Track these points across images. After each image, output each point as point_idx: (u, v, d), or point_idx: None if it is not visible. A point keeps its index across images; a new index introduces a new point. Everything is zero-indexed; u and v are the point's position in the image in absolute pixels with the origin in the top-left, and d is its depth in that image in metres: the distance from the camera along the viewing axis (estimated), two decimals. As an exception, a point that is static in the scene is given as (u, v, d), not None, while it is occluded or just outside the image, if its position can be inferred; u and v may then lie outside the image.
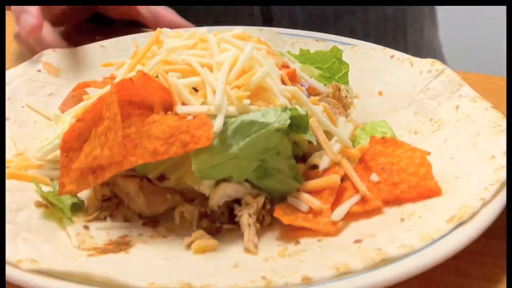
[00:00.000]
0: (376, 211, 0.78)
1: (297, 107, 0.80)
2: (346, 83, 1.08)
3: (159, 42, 0.92)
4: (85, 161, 0.78)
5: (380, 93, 1.09)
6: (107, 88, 0.90)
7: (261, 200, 0.77)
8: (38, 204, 0.79)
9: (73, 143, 0.82)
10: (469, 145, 0.87)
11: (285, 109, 0.76)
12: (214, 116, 0.75)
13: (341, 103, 1.00)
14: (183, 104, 0.79)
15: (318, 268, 0.65)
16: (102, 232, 0.78)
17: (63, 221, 0.78)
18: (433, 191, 0.78)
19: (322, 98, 0.94)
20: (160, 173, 0.80)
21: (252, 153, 0.75)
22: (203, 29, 0.94)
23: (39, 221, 0.77)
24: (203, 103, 0.78)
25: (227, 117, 0.76)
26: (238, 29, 0.98)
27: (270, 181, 0.78)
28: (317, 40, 1.23)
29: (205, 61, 0.83)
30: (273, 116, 0.75)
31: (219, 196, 0.77)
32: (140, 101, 0.80)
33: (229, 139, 0.74)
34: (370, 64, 1.14)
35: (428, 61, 1.07)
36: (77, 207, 0.82)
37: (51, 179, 0.88)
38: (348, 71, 1.08)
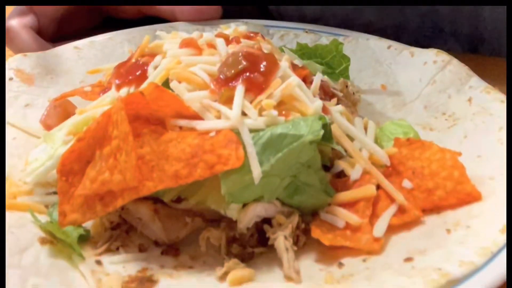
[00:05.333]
0: (416, 222, 0.70)
1: (322, 114, 0.71)
2: (347, 77, 1.00)
3: (159, 46, 0.80)
4: (91, 186, 0.67)
5: (383, 87, 1.01)
6: (102, 100, 0.79)
7: (295, 219, 0.68)
8: (43, 241, 0.67)
9: (73, 165, 0.70)
10: (494, 142, 0.81)
11: (317, 118, 0.67)
12: (237, 131, 0.66)
13: (350, 100, 0.92)
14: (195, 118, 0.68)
15: (379, 297, 0.57)
16: (118, 266, 0.67)
17: (73, 258, 0.67)
18: (472, 196, 0.71)
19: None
20: (177, 196, 0.70)
21: (284, 169, 0.66)
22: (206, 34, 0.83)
23: (47, 261, 0.65)
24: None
25: (253, 131, 0.66)
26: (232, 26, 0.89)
27: (301, 197, 0.69)
28: (307, 32, 1.13)
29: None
30: (304, 127, 0.66)
31: (248, 218, 0.67)
32: (149, 115, 0.69)
33: (259, 155, 0.64)
34: (367, 56, 1.06)
35: (431, 52, 1.00)
36: (83, 238, 0.70)
37: (46, 206, 0.76)
38: (349, 65, 1.00)
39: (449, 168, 0.74)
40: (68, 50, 1.07)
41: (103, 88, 0.83)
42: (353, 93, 0.93)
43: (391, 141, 0.81)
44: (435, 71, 0.97)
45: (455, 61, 0.97)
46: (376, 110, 0.98)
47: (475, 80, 0.93)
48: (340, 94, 0.88)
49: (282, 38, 1.14)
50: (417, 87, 0.97)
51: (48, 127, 0.89)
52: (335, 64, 0.99)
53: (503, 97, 0.88)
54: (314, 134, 0.66)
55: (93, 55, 1.08)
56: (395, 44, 1.06)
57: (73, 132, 0.76)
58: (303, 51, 1.00)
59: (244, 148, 0.64)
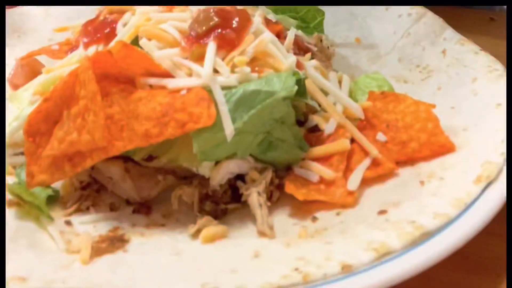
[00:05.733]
0: (390, 174, 0.69)
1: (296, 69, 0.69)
2: (322, 31, 0.98)
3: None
4: (59, 147, 0.65)
5: (357, 40, 0.99)
6: (70, 59, 0.76)
7: (268, 175, 0.67)
8: (9, 204, 0.65)
9: (40, 125, 0.67)
10: (468, 93, 0.80)
11: (291, 74, 0.65)
12: (209, 89, 0.64)
13: (324, 54, 0.90)
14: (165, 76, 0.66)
15: (352, 251, 0.56)
16: (88, 226, 0.66)
17: (41, 219, 0.65)
18: (446, 147, 0.70)
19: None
20: (148, 154, 0.68)
21: (257, 126, 0.64)
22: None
23: (15, 224, 0.63)
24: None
25: (225, 88, 0.64)
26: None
27: (275, 153, 0.68)
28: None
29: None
30: (278, 83, 0.64)
31: (221, 175, 0.66)
32: (118, 73, 0.66)
33: (232, 113, 0.62)
34: (342, 10, 1.04)
35: (407, 6, 0.98)
36: (53, 199, 0.69)
37: (13, 167, 0.74)
38: (323, 18, 0.97)
39: (423, 121, 0.73)
40: (35, 8, 1.03)
41: (71, 47, 0.80)
42: (328, 47, 0.91)
43: (365, 94, 0.80)
44: (409, 24, 0.95)
45: (429, 14, 0.95)
46: (351, 63, 0.96)
47: (449, 32, 0.92)
48: (315, 49, 0.86)
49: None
50: (391, 39, 0.96)
51: (15, 86, 0.86)
52: (309, 18, 0.97)
53: (476, 49, 0.86)
54: (287, 90, 0.64)
55: (62, 13, 1.04)
56: (369, -2, 1.03)
57: (40, 91, 0.74)
58: (276, 6, 0.97)
59: (216, 106, 0.62)
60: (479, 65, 0.83)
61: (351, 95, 0.80)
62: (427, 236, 0.57)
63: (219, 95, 0.62)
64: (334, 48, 0.93)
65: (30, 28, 0.99)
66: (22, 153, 0.74)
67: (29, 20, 1.00)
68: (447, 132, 0.72)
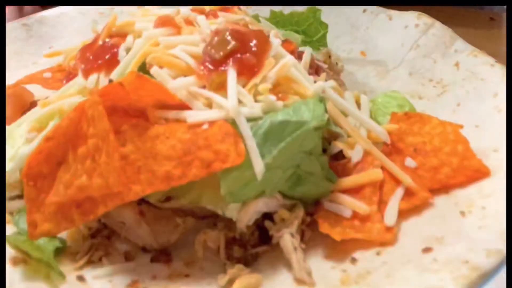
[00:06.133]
0: (425, 204, 0.64)
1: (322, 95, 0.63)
2: (325, 45, 0.92)
3: (129, 25, 0.70)
4: (66, 192, 0.57)
5: (362, 53, 0.94)
6: (68, 89, 0.68)
7: (300, 213, 0.60)
8: (15, 261, 0.57)
9: (41, 167, 0.60)
10: (491, 110, 0.75)
11: (318, 101, 0.59)
12: (231, 121, 0.57)
13: (334, 71, 0.85)
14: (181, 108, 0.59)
15: (407, 299, 0.51)
16: (103, 281, 0.58)
17: (51, 277, 0.57)
18: (481, 172, 0.66)
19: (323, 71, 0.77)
20: (166, 196, 0.61)
21: (287, 160, 0.58)
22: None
23: (24, 286, 0.55)
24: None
25: (250, 120, 0.57)
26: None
27: (304, 187, 0.62)
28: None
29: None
30: (307, 112, 0.58)
31: (249, 216, 0.59)
32: (127, 106, 0.59)
33: (260, 147, 0.56)
34: (343, 21, 0.99)
35: (412, 14, 0.93)
36: (60, 251, 0.61)
37: (10, 213, 0.66)
38: (326, 32, 0.92)
39: (452, 143, 0.68)
40: (15, 29, 0.94)
41: (66, 74, 0.72)
42: (336, 63, 0.86)
43: (386, 115, 0.75)
44: (417, 35, 0.91)
45: (438, 24, 0.90)
46: (358, 79, 0.91)
47: (460, 43, 0.87)
48: (325, 66, 0.81)
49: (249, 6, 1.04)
50: (399, 52, 0.91)
51: (1, 119, 0.78)
52: (312, 32, 0.92)
53: (491, 61, 0.82)
54: (318, 119, 0.58)
55: (44, 32, 0.95)
56: (371, 7, 0.98)
57: (37, 128, 0.66)
58: (277, 19, 0.92)
59: (243, 141, 0.55)
60: (497, 78, 0.79)
61: (372, 116, 0.75)
62: (484, 277, 0.52)
63: (246, 129, 0.56)
64: (341, 63, 0.88)
65: (12, 51, 0.91)
66: (18, 197, 0.66)
67: (10, 43, 0.91)
68: (477, 154, 0.67)
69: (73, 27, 0.95)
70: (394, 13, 0.95)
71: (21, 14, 1.02)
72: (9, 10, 0.97)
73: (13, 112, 0.76)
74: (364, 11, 0.98)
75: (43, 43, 0.92)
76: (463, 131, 0.70)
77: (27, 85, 0.78)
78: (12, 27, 0.93)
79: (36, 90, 0.77)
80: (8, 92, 0.78)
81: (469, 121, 0.74)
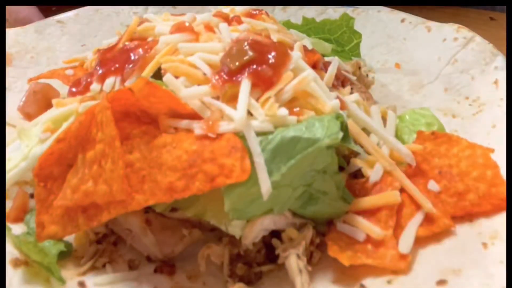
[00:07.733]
0: (445, 232, 0.59)
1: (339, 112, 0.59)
2: (358, 55, 0.88)
3: (150, 29, 0.67)
4: (72, 197, 0.56)
5: (397, 66, 0.89)
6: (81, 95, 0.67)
7: (308, 234, 0.57)
8: (16, 262, 0.56)
9: (52, 168, 0.58)
10: (528, 133, 0.69)
11: (334, 118, 0.55)
12: (241, 134, 0.54)
13: (363, 83, 0.80)
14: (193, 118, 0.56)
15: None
16: (104, 289, 0.56)
17: (51, 282, 0.55)
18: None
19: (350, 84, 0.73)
20: (171, 207, 0.58)
21: (297, 178, 0.55)
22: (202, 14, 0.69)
23: (22, 289, 0.54)
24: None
25: (260, 134, 0.54)
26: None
27: (316, 207, 0.58)
28: None
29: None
30: (320, 129, 0.54)
31: (255, 233, 0.56)
32: (140, 112, 0.57)
33: (268, 163, 0.52)
34: (379, 31, 0.94)
35: (451, 27, 0.87)
36: (65, 254, 0.59)
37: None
38: (360, 41, 0.87)
39: (481, 167, 0.63)
40: (50, 25, 0.93)
41: (87, 73, 0.71)
42: (366, 75, 0.81)
43: (413, 133, 0.70)
44: (456, 49, 0.85)
45: (478, 38, 0.84)
46: (391, 92, 0.86)
47: (501, 60, 0.81)
48: (353, 78, 0.76)
49: (285, 9, 1.01)
50: (436, 66, 0.85)
51: (27, 115, 0.78)
52: (344, 41, 0.87)
53: (534, 79, 0.76)
54: (331, 137, 0.54)
55: (78, 30, 0.95)
56: (410, 17, 0.93)
57: (51, 128, 0.64)
58: (309, 26, 0.88)
59: (250, 156, 0.52)
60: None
61: (397, 133, 0.70)
62: (500, 318, 0.47)
63: (254, 144, 0.52)
64: (373, 75, 0.83)
65: (45, 48, 0.90)
66: (32, 195, 0.65)
67: (43, 39, 0.91)
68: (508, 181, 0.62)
69: (106, 26, 0.94)
70: (433, 24, 0.90)
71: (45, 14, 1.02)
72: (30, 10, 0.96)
73: (39, 108, 0.76)
74: (403, 20, 0.93)
75: (75, 41, 0.91)
76: (494, 156, 0.64)
77: (48, 79, 0.76)
78: (45, 24, 0.92)
79: (60, 87, 0.76)
80: (34, 89, 0.78)
81: (504, 145, 0.69)
